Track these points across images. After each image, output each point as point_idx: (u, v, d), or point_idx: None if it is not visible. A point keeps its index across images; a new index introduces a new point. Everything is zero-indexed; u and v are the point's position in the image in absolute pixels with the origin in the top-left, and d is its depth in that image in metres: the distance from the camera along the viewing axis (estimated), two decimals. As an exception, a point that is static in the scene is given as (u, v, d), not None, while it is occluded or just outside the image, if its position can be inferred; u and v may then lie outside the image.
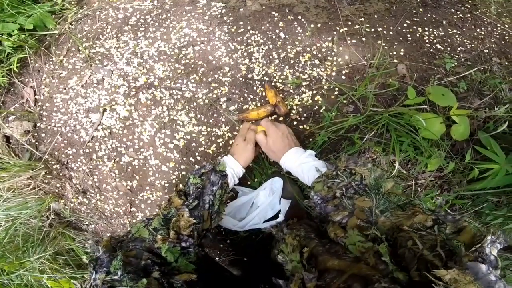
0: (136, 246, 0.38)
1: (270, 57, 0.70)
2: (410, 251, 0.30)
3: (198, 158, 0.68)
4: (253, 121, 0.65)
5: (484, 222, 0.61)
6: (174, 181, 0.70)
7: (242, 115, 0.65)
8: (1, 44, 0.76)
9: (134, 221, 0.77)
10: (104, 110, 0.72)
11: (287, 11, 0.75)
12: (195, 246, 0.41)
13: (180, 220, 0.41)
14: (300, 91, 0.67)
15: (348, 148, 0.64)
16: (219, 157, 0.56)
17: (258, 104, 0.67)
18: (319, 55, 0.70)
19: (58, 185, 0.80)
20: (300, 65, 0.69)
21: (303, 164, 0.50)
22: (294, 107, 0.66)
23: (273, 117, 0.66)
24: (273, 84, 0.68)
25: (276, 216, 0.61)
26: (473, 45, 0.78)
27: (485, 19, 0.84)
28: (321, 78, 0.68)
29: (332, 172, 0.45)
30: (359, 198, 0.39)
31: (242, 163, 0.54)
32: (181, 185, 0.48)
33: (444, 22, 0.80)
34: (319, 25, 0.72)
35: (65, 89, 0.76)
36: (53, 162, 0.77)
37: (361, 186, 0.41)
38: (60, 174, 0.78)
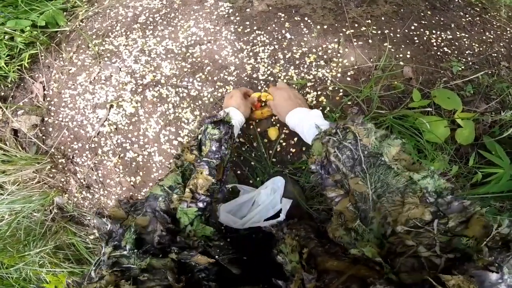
0: (148, 210, 0.35)
1: (276, 57, 0.73)
2: (398, 256, 0.30)
3: (202, 155, 0.71)
4: (257, 121, 0.68)
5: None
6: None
7: None
8: (13, 40, 0.81)
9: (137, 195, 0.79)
10: (111, 106, 0.76)
11: (293, 12, 0.78)
12: (208, 204, 0.40)
13: (198, 178, 0.39)
14: (304, 91, 0.70)
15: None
16: (222, 111, 0.55)
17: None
18: (325, 56, 0.72)
19: (62, 179, 0.85)
20: (306, 66, 0.72)
21: (305, 121, 0.49)
22: (298, 108, 0.69)
23: (276, 117, 0.69)
24: (277, 84, 0.71)
25: (277, 215, 0.63)
26: (481, 49, 0.80)
27: (494, 23, 0.86)
28: (326, 79, 0.70)
29: (332, 130, 0.42)
30: (354, 179, 0.36)
31: (243, 113, 0.58)
32: (192, 141, 0.47)
33: (453, 25, 0.82)
34: (325, 27, 0.75)
35: (73, 85, 0.80)
36: (59, 156, 0.81)
37: (360, 147, 0.36)
38: (65, 169, 0.83)
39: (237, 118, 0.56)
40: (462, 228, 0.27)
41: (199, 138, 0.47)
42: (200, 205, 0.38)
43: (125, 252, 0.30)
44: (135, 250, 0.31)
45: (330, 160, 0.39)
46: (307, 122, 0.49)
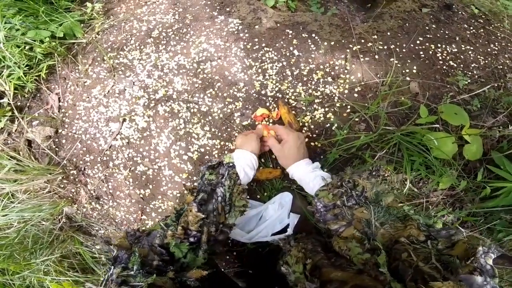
0: (145, 244, 0.41)
1: (284, 74, 0.77)
2: (404, 263, 0.34)
3: (211, 169, 0.76)
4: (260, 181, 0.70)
5: (496, 239, 0.65)
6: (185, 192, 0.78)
7: None
8: (32, 50, 0.86)
9: (143, 228, 0.84)
10: (124, 120, 0.81)
11: (301, 29, 0.83)
12: (205, 244, 0.44)
13: (188, 215, 0.44)
14: (312, 108, 0.74)
15: (359, 166, 0.70)
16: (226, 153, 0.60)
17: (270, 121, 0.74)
18: (332, 73, 0.77)
19: (73, 190, 0.90)
20: (313, 83, 0.76)
21: (311, 173, 0.57)
22: (306, 124, 0.73)
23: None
24: (286, 100, 0.75)
25: (284, 230, 0.66)
26: (486, 61, 0.83)
27: (498, 34, 0.89)
28: (334, 95, 0.75)
29: (337, 183, 0.50)
30: (358, 209, 0.44)
31: (250, 150, 0.59)
32: (195, 183, 0.53)
33: (457, 38, 0.85)
34: (332, 43, 0.80)
35: (88, 97, 0.86)
36: (70, 168, 0.86)
37: (362, 197, 0.46)
38: (76, 180, 0.88)
39: (241, 156, 0.57)
40: (448, 250, 0.34)
41: (198, 183, 0.54)
42: (191, 240, 0.43)
43: (131, 272, 0.36)
44: (141, 270, 0.36)
45: (336, 204, 0.48)
46: (313, 174, 0.57)
